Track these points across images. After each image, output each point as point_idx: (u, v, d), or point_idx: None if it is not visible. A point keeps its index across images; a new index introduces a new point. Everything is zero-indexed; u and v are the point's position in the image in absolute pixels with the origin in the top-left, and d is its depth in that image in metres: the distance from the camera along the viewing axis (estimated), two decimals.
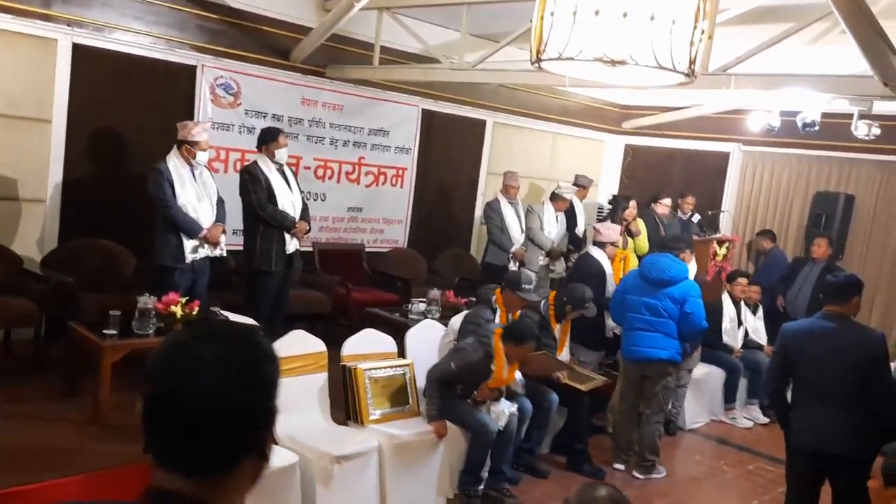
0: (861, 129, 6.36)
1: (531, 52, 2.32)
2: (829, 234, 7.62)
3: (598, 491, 1.69)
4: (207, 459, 1.04)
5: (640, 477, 5.07)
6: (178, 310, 4.39)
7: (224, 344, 1.06)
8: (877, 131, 6.38)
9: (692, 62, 2.22)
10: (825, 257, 7.18)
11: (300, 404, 4.08)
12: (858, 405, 3.48)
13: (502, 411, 4.36)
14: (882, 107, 6.30)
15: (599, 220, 8.19)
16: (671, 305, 4.93)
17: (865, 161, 8.13)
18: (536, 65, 2.35)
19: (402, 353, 4.63)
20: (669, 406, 5.33)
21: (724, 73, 4.55)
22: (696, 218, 8.29)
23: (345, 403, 4.29)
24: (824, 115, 6.99)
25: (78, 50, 5.59)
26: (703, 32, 2.20)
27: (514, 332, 4.39)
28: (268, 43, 6.54)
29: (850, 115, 6.80)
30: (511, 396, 4.67)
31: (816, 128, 6.74)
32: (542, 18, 2.23)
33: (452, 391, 4.32)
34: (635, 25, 2.10)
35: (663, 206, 7.89)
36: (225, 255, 5.24)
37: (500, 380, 4.37)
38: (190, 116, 6.02)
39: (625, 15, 2.10)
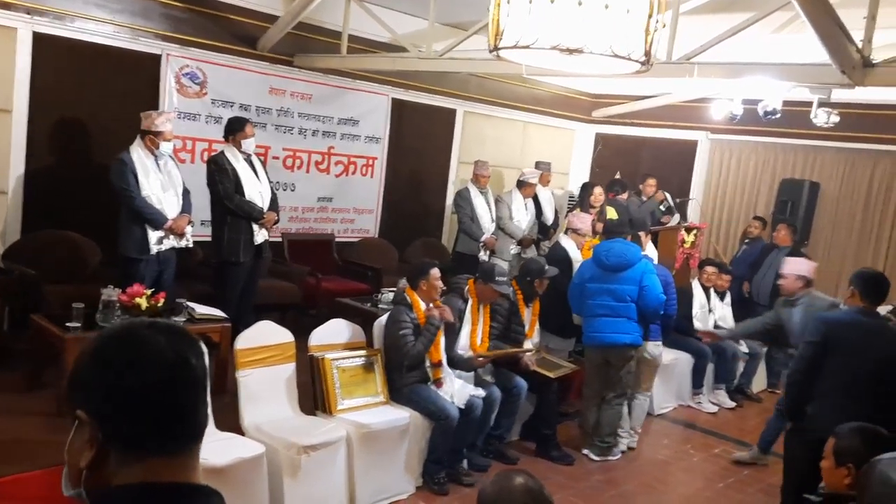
0: (820, 117, 6.47)
1: (489, 40, 2.33)
2: (790, 221, 7.75)
3: (513, 480, 1.73)
4: (195, 431, 1.12)
5: (595, 458, 5.13)
6: (143, 301, 4.35)
7: (163, 325, 1.14)
8: (835, 119, 6.49)
9: (648, 51, 2.24)
10: (788, 244, 7.30)
11: (267, 395, 4.08)
12: (876, 401, 3.46)
13: (463, 392, 4.43)
14: (841, 95, 6.38)
15: (570, 209, 8.25)
16: (632, 288, 5.00)
17: (830, 149, 8.27)
18: (495, 53, 2.36)
19: (370, 342, 4.64)
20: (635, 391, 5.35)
21: (688, 61, 4.59)
22: (664, 203, 8.37)
23: (313, 393, 4.30)
24: (787, 103, 7.09)
25: (39, 39, 5.48)
26: (658, 21, 2.22)
27: (411, 273, 4.55)
28: (234, 31, 6.47)
29: (811, 104, 6.90)
30: (480, 384, 4.71)
31: (777, 115, 6.84)
32: (498, 6, 2.24)
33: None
34: (590, 14, 2.12)
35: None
36: (191, 245, 5.19)
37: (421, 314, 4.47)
38: (155, 106, 5.94)
39: (580, 3, 2.10)
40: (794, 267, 5.07)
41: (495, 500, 1.72)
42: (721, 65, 4.77)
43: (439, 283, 4.51)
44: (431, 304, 4.44)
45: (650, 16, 2.18)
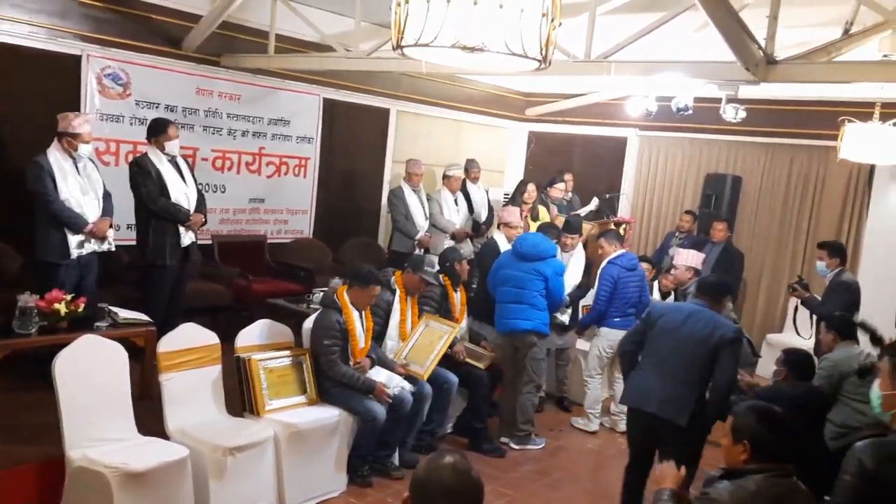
0: (729, 113, 6.71)
1: (392, 38, 2.37)
2: (726, 217, 7.98)
3: (442, 459, 1.79)
4: None
5: (516, 447, 5.24)
6: (62, 307, 4.26)
7: None
8: (743, 114, 6.74)
9: (543, 49, 2.31)
10: (724, 239, 7.53)
11: (193, 398, 4.05)
12: (688, 380, 3.82)
13: (391, 381, 4.50)
14: (751, 92, 6.51)
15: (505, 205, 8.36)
16: (536, 278, 5.15)
17: (750, 143, 8.56)
18: (399, 51, 2.41)
19: (300, 342, 4.64)
20: (542, 378, 5.45)
21: (605, 60, 4.72)
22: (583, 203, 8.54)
23: (240, 395, 4.27)
24: (705, 100, 7.31)
25: None
26: (552, 20, 2.30)
27: (353, 275, 4.51)
28: (158, 31, 6.36)
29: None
30: (412, 380, 4.75)
31: (689, 112, 7.08)
32: (399, 5, 2.29)
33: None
34: (486, 13, 2.18)
35: (557, 191, 8.16)
36: (113, 249, 5.11)
37: (357, 346, 4.47)
38: (76, 108, 5.79)
39: (475, 3, 2.17)
40: (686, 258, 5.57)
41: (424, 480, 1.78)
42: (636, 63, 4.92)
43: (371, 300, 4.54)
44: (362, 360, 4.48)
45: (544, 14, 2.26)
